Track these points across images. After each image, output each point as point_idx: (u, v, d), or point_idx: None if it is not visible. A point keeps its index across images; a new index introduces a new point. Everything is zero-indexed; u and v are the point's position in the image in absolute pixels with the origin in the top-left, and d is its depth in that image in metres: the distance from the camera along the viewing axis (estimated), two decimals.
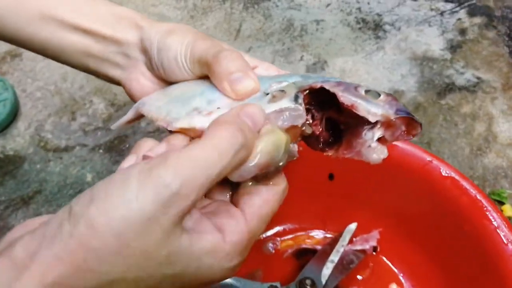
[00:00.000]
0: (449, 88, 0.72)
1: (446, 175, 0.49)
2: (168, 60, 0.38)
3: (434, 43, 0.78)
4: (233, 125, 0.27)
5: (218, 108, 0.33)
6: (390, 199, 0.53)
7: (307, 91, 0.34)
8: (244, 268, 0.54)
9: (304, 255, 0.54)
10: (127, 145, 0.68)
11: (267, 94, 0.34)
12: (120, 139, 0.68)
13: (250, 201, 0.29)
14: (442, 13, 0.82)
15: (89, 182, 0.64)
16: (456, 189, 0.48)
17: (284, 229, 0.56)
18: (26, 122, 0.71)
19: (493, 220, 0.46)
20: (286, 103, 0.32)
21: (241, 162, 0.28)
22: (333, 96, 0.33)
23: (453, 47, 0.77)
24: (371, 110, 0.32)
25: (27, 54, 0.79)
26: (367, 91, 0.34)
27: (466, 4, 0.83)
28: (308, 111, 0.35)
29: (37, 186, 0.64)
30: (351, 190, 0.54)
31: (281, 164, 0.31)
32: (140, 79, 0.40)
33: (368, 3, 0.84)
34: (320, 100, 0.35)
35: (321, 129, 0.36)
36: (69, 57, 0.41)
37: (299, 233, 0.56)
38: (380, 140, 0.33)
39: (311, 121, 0.36)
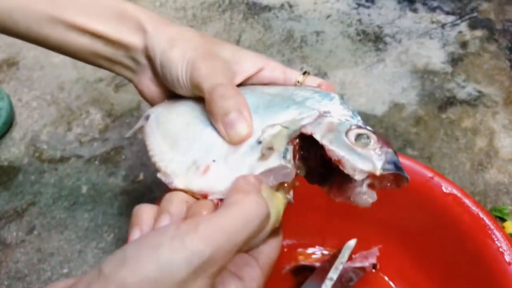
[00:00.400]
0: (450, 101, 0.71)
1: (448, 192, 0.48)
2: (171, 77, 0.39)
3: (435, 56, 0.77)
4: (254, 195, 0.29)
5: (214, 161, 0.35)
6: (391, 215, 0.52)
7: (299, 137, 0.36)
8: None
9: (302, 272, 0.53)
10: (123, 157, 0.67)
11: (260, 142, 0.35)
12: (116, 150, 0.67)
13: (260, 249, 0.34)
14: (443, 26, 0.82)
15: (84, 194, 0.63)
16: (458, 207, 0.47)
17: (282, 246, 0.55)
18: (22, 132, 0.70)
19: (496, 239, 0.45)
20: (275, 161, 0.33)
21: (262, 230, 0.30)
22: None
23: (454, 60, 0.77)
24: (357, 167, 0.33)
25: (23, 63, 0.78)
26: (358, 136, 0.34)
27: (467, 17, 0.83)
28: (301, 147, 0.36)
29: (31, 198, 0.63)
30: (351, 206, 0.53)
31: (281, 218, 0.34)
32: (149, 85, 0.42)
33: (369, 15, 0.84)
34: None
35: (314, 164, 0.37)
36: (82, 57, 0.43)
37: (297, 250, 0.55)
38: (370, 185, 0.34)
39: (306, 154, 0.37)
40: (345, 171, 0.33)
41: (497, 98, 0.71)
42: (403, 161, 0.50)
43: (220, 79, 0.37)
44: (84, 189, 0.64)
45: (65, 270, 0.57)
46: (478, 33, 0.81)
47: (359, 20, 0.83)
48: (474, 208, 0.46)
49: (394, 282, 0.53)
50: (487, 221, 0.45)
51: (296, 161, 0.36)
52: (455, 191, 0.48)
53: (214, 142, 0.37)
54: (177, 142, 0.38)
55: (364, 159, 0.33)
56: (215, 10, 0.85)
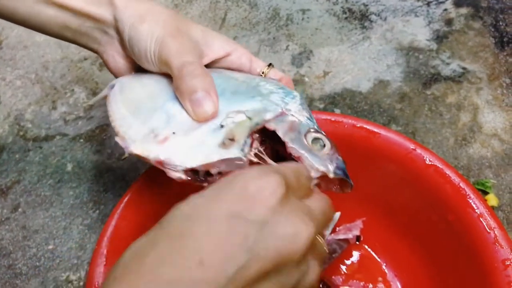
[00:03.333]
0: (435, 78, 0.72)
1: (430, 163, 0.48)
2: (138, 51, 0.39)
3: (420, 33, 0.77)
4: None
5: (174, 133, 0.36)
6: (374, 187, 0.53)
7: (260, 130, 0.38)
8: None
9: None
10: (108, 135, 0.66)
11: (222, 126, 0.37)
12: (101, 129, 0.67)
13: None
14: (428, 4, 0.82)
15: (69, 172, 0.63)
16: (440, 177, 0.47)
17: None
18: (5, 111, 0.69)
19: (476, 208, 0.45)
20: (233, 152, 0.35)
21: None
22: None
23: (439, 38, 0.77)
24: (314, 166, 0.37)
25: (7, 42, 0.77)
26: (315, 140, 0.38)
27: None
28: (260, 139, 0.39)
29: (15, 176, 0.63)
30: None
31: None
32: (116, 56, 0.42)
33: None
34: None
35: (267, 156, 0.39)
36: (48, 29, 0.42)
37: None
38: (317, 184, 0.37)
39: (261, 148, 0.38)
40: None
41: (481, 75, 0.72)
42: (386, 133, 0.50)
43: (189, 57, 0.38)
44: (69, 167, 0.64)
45: (50, 247, 0.57)
46: (463, 10, 0.81)
47: None
48: (455, 179, 0.47)
49: (377, 253, 0.53)
50: (467, 190, 0.46)
51: (252, 151, 0.37)
52: (436, 162, 0.48)
53: (175, 115, 0.38)
54: (138, 110, 0.39)
55: (320, 161, 0.37)
56: None
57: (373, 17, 0.80)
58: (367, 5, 0.82)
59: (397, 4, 0.82)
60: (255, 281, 0.24)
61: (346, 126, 0.51)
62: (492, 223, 0.44)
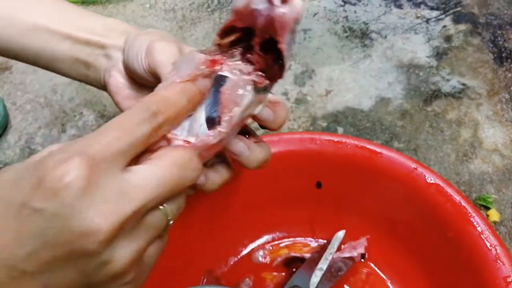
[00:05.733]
0: (435, 94, 0.73)
1: (431, 182, 0.50)
2: (132, 57, 0.39)
3: (420, 50, 0.79)
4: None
5: None
6: (378, 206, 0.54)
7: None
8: (234, 277, 0.54)
9: (293, 263, 0.55)
10: None
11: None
12: None
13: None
14: (427, 21, 0.83)
15: None
16: (441, 196, 0.49)
17: (273, 238, 0.57)
18: (16, 135, 0.71)
19: (477, 226, 0.46)
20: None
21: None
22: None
23: (439, 54, 0.78)
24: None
25: (17, 66, 0.79)
26: None
27: (451, 11, 0.85)
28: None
29: None
30: (339, 198, 0.55)
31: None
32: (117, 77, 0.41)
33: (355, 12, 0.85)
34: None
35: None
36: (60, 65, 0.43)
37: (288, 241, 0.57)
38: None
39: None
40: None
41: (481, 90, 0.73)
42: (387, 153, 0.52)
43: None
44: None
45: None
46: (462, 27, 0.82)
47: (346, 17, 0.84)
48: (456, 197, 0.48)
49: (382, 270, 0.55)
50: (468, 208, 0.47)
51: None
52: (438, 181, 0.49)
53: None
54: None
55: None
56: (204, 11, 0.86)
57: (373, 35, 0.82)
58: (367, 24, 0.83)
59: (397, 22, 0.83)
60: (49, 265, 0.26)
61: (349, 146, 0.52)
62: (493, 241, 0.45)
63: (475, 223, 0.47)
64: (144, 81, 0.39)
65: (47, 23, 0.41)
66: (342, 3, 0.87)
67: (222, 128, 0.32)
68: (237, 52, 0.34)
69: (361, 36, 0.82)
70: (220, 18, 0.85)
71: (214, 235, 0.54)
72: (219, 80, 0.33)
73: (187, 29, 0.84)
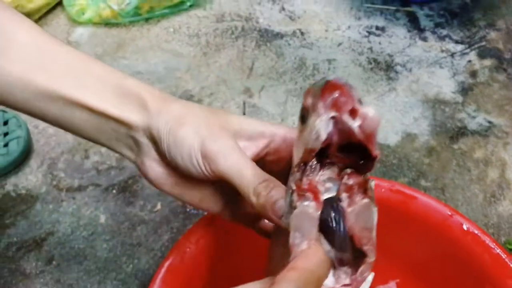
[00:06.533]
0: (461, 132, 0.73)
1: (467, 229, 0.49)
2: (182, 158, 0.37)
3: (445, 85, 0.79)
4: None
5: None
6: (409, 250, 0.53)
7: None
8: None
9: None
10: (140, 185, 0.67)
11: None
12: (133, 179, 0.68)
13: None
14: (452, 55, 0.83)
15: (103, 224, 0.64)
16: (478, 246, 0.48)
17: None
18: (39, 160, 0.70)
19: None
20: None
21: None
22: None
23: (464, 90, 0.78)
24: None
25: None
26: None
27: (476, 46, 0.84)
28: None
29: (49, 227, 0.64)
30: None
31: None
32: (155, 167, 0.39)
33: (379, 43, 0.85)
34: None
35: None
36: (83, 132, 0.40)
37: None
38: None
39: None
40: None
41: (508, 129, 0.73)
42: (422, 198, 0.51)
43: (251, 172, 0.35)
44: (103, 218, 0.65)
45: None
46: (487, 62, 0.82)
47: (370, 49, 0.84)
48: (495, 248, 0.47)
49: None
50: (507, 261, 0.46)
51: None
52: (474, 230, 0.49)
53: None
54: None
55: None
56: (228, 37, 0.86)
57: (398, 68, 0.81)
58: (392, 56, 0.83)
59: (421, 55, 0.83)
60: None
61: (382, 190, 0.52)
62: None
63: None
64: (195, 175, 0.37)
65: (59, 89, 0.38)
66: (367, 34, 0.86)
67: (371, 258, 0.32)
68: (314, 163, 0.33)
69: (386, 68, 0.81)
70: (244, 45, 0.85)
71: None
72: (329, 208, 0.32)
73: (211, 56, 0.83)
